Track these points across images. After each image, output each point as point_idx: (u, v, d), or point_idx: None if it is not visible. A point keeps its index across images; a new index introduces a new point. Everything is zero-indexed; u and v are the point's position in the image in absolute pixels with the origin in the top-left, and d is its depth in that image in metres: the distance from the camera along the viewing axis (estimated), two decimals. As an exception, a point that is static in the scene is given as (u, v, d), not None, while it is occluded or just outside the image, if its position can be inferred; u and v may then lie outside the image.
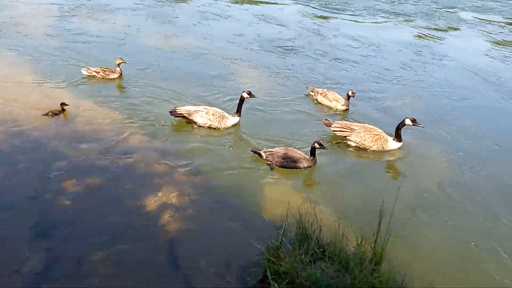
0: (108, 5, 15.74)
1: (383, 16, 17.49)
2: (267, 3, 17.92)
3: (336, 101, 9.38)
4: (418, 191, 6.91)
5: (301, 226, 4.94)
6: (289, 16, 16.53)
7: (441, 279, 4.52)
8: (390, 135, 8.08)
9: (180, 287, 4.85)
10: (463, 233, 6.00)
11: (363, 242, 4.66)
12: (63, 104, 8.18)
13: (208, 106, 8.53)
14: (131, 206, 6.07)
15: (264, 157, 7.23)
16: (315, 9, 17.63)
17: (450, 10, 18.61)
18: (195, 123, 8.19)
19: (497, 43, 15.17)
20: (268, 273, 4.41)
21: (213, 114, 8.17)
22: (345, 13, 17.47)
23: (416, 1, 19.44)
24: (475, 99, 10.80)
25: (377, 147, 7.92)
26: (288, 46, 13.16)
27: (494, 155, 8.17)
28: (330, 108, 9.40)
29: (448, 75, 12.06)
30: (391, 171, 7.82)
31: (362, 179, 7.26)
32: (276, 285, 4.17)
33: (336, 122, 8.25)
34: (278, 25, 15.28)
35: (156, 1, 16.72)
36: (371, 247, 4.58)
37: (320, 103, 9.54)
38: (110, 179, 6.55)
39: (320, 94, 9.54)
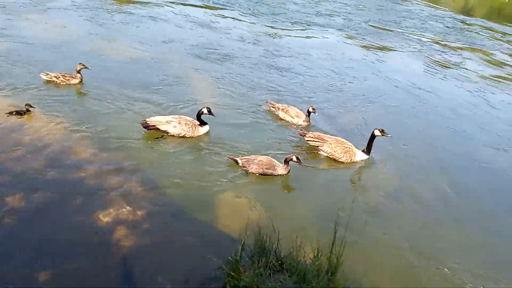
0: (38, 4, 15.09)
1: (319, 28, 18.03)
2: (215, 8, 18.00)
3: (298, 117, 9.46)
4: (374, 202, 7.24)
5: (259, 239, 5.00)
6: (229, 23, 16.68)
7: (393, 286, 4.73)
8: (361, 147, 8.53)
9: (136, 306, 4.73)
10: (413, 242, 6.34)
11: (319, 254, 4.82)
12: (28, 105, 8.03)
13: (175, 115, 8.54)
14: (81, 222, 5.81)
15: (240, 164, 7.44)
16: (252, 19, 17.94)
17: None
18: (167, 133, 8.22)
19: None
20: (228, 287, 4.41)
21: (185, 123, 8.27)
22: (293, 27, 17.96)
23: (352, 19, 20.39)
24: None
25: (346, 159, 8.34)
26: (226, 54, 13.24)
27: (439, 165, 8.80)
28: (292, 123, 9.46)
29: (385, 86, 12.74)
30: (353, 183, 8.07)
31: (323, 191, 7.41)
32: (236, 299, 4.18)
33: (310, 132, 8.71)
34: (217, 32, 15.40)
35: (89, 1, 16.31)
36: (327, 258, 4.73)
37: (281, 119, 9.57)
38: (57, 194, 6.23)
39: (281, 110, 9.59)
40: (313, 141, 8.51)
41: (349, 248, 4.68)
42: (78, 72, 9.62)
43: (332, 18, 19.80)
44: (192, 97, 10.00)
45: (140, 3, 17.37)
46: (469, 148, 9.80)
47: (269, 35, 16.03)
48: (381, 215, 6.90)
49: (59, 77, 9.49)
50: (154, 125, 8.15)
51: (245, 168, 7.45)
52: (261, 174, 7.43)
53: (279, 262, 4.84)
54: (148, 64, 11.57)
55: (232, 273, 4.55)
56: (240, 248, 4.83)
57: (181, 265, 5.29)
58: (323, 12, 20.51)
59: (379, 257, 5.83)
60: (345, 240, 4.61)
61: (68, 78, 9.52)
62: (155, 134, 8.23)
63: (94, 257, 5.30)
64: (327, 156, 8.45)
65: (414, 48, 17.20)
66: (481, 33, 21.28)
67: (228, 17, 17.53)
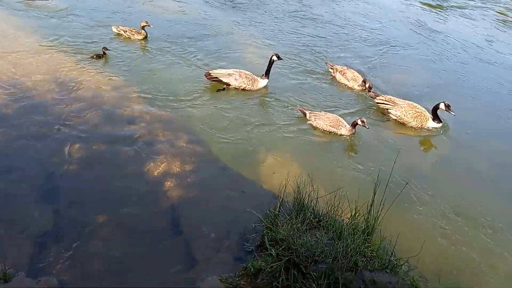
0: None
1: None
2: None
3: (354, 80, 9.28)
4: (420, 167, 7.17)
5: (298, 196, 5.15)
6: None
7: (426, 252, 4.73)
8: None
9: (181, 251, 5.10)
10: (454, 205, 6.27)
11: (357, 214, 4.90)
12: (105, 48, 9.15)
13: (236, 69, 8.91)
14: (134, 173, 6.25)
15: (307, 117, 7.83)
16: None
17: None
18: (229, 85, 8.68)
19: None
20: (266, 239, 4.64)
21: (246, 76, 8.68)
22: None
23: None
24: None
25: (416, 124, 8.12)
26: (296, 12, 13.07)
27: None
28: (347, 86, 9.33)
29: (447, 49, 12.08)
30: (404, 148, 7.73)
31: (373, 154, 7.37)
32: (273, 250, 4.40)
33: (382, 95, 8.60)
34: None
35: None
36: (364, 218, 4.81)
37: (338, 81, 9.43)
38: (113, 146, 6.70)
39: (339, 72, 9.42)
40: (383, 103, 8.36)
41: (388, 210, 4.69)
42: (143, 28, 10.21)
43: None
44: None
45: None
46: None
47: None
48: (428, 179, 6.79)
49: (126, 31, 10.16)
50: (216, 77, 8.62)
51: (311, 122, 7.76)
52: (325, 131, 7.66)
53: (317, 219, 4.99)
54: (197, 20, 11.83)
55: (270, 226, 4.76)
56: (279, 203, 5.03)
57: (224, 217, 5.59)
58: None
59: (417, 219, 5.83)
60: (384, 201, 4.64)
61: (134, 33, 10.19)
62: (218, 86, 8.72)
63: (145, 205, 5.72)
64: (395, 119, 8.26)
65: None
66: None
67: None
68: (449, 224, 5.86)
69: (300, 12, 13.52)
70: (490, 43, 13.16)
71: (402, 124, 8.21)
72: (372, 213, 4.78)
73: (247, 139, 7.31)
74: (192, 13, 12.43)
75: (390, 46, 11.97)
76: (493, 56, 12.26)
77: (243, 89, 8.73)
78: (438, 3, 16.26)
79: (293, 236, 4.49)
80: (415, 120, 8.08)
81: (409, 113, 8.11)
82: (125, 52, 9.72)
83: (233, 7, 13.22)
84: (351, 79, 9.28)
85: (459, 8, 16.01)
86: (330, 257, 4.30)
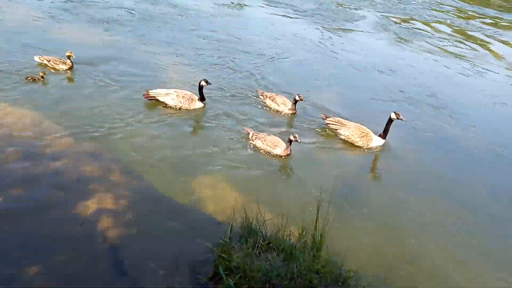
0: None
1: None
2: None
3: (284, 105, 9.54)
4: (360, 182, 7.66)
5: (246, 221, 5.20)
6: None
7: (373, 258, 5.08)
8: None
9: (130, 291, 4.83)
10: (391, 220, 6.71)
11: (304, 232, 5.08)
12: (43, 73, 9.11)
13: (176, 89, 9.13)
14: (63, 215, 5.79)
15: (250, 136, 8.07)
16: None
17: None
18: (166, 104, 8.92)
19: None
20: (220, 269, 4.59)
21: (183, 96, 8.92)
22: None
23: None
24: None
25: (362, 143, 8.68)
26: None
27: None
28: (278, 111, 9.54)
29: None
30: (343, 165, 8.15)
31: (313, 172, 7.66)
32: (230, 280, 4.37)
33: (331, 117, 9.04)
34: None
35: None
36: (311, 235, 5.00)
37: (268, 106, 9.63)
38: (35, 187, 6.15)
39: (269, 98, 9.66)
40: (333, 124, 8.89)
41: (332, 225, 4.95)
42: (68, 58, 9.75)
43: None
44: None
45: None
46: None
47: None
48: (365, 194, 7.26)
49: (50, 61, 9.70)
50: (154, 96, 8.86)
51: (252, 142, 7.97)
52: (262, 150, 7.91)
53: (266, 241, 5.06)
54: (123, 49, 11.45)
55: (223, 255, 4.73)
56: (229, 230, 5.02)
57: (169, 251, 5.40)
58: None
59: (359, 232, 6.20)
60: (328, 217, 4.88)
61: (58, 63, 9.70)
62: (153, 104, 8.95)
63: (81, 248, 5.31)
64: (344, 139, 8.77)
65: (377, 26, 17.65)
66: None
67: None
68: (386, 234, 6.32)
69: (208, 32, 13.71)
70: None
71: (351, 144, 8.75)
72: (318, 229, 4.99)
73: (184, 165, 7.21)
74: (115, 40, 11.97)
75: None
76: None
77: (180, 108, 8.92)
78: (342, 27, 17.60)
79: (247, 262, 4.50)
80: (361, 139, 8.68)
81: (356, 133, 8.70)
82: (50, 82, 9.16)
83: (129, 31, 12.94)
84: (281, 104, 9.56)
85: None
86: (286, 279, 4.39)
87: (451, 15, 20.83)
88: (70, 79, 9.60)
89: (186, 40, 12.73)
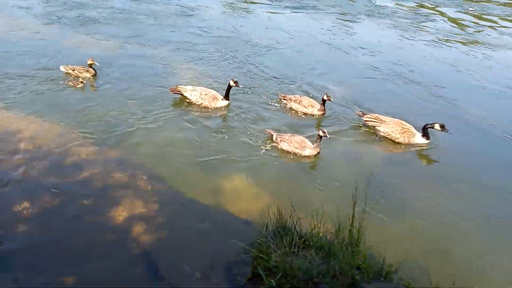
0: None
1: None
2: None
3: (312, 106, 9.14)
4: (394, 177, 7.42)
5: (280, 219, 5.12)
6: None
7: (412, 253, 4.96)
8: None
9: (167, 296, 4.79)
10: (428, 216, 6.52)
11: (340, 228, 4.98)
12: (82, 79, 9.60)
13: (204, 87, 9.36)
14: (95, 223, 5.77)
15: (274, 139, 7.86)
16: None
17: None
18: (189, 100, 9.13)
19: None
20: (260, 269, 4.52)
21: (205, 94, 9.06)
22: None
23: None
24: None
25: (403, 140, 8.39)
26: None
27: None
28: (306, 114, 9.16)
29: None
30: (375, 161, 7.93)
31: (343, 170, 7.51)
32: (272, 280, 4.30)
33: (369, 114, 8.83)
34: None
35: None
36: (348, 232, 4.90)
37: (295, 110, 9.25)
38: (65, 198, 6.14)
39: (294, 101, 9.25)
40: (371, 121, 8.64)
41: (369, 221, 4.84)
42: (90, 66, 9.90)
43: None
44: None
45: None
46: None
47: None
48: (402, 190, 7.06)
49: (75, 70, 9.86)
50: (179, 90, 9.12)
51: (276, 144, 7.82)
52: (290, 152, 7.72)
53: (303, 239, 4.97)
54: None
55: (261, 255, 4.65)
56: (264, 229, 4.95)
57: (203, 253, 5.36)
58: None
59: (396, 228, 6.10)
60: (364, 213, 4.78)
61: (82, 71, 9.86)
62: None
63: (116, 255, 5.28)
64: (384, 136, 8.53)
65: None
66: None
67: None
68: (424, 229, 6.20)
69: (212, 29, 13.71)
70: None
71: (391, 141, 8.48)
72: (354, 225, 4.89)
73: (209, 167, 7.15)
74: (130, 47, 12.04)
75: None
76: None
77: (201, 105, 9.07)
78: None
79: (287, 261, 4.42)
80: (403, 136, 8.39)
81: (396, 129, 8.42)
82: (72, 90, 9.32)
83: (135, 35, 13.01)
84: (309, 106, 9.15)
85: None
86: (328, 276, 4.30)
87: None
88: (92, 86, 9.67)
89: (201, 41, 12.76)
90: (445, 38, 15.35)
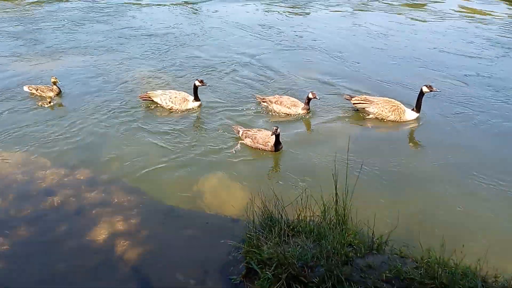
0: None
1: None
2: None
3: (295, 106, 8.63)
4: (374, 151, 7.49)
5: (265, 211, 5.06)
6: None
7: (402, 222, 5.00)
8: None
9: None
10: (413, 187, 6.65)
11: (326, 208, 4.98)
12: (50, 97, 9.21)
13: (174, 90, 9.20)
14: (76, 247, 5.52)
15: (240, 135, 7.69)
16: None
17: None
18: (158, 104, 8.98)
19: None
20: (254, 264, 4.46)
21: (175, 97, 8.90)
22: None
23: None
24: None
25: (394, 117, 8.35)
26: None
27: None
28: (289, 114, 8.66)
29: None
30: (354, 136, 7.60)
31: (317, 150, 7.52)
32: (267, 272, 4.24)
33: (356, 96, 8.77)
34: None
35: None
36: (335, 210, 4.90)
37: (277, 111, 8.72)
38: (40, 226, 5.85)
39: (275, 102, 8.72)
40: (360, 103, 8.55)
41: (353, 195, 4.85)
42: (54, 84, 9.50)
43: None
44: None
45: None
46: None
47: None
48: (384, 163, 7.13)
49: (38, 89, 9.52)
50: (149, 96, 8.95)
51: (242, 141, 7.66)
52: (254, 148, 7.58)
53: (291, 227, 4.95)
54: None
55: (253, 249, 4.59)
56: (252, 223, 4.89)
57: (195, 257, 5.25)
58: None
59: (381, 199, 6.18)
60: (347, 188, 4.78)
61: (45, 91, 9.47)
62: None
63: (103, 277, 5.09)
64: (375, 117, 8.50)
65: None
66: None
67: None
68: (409, 196, 6.34)
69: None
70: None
71: (381, 120, 8.49)
72: (339, 204, 4.90)
73: (185, 171, 7.01)
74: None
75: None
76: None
77: (171, 109, 8.90)
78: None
79: (279, 251, 4.38)
80: (393, 113, 8.37)
81: (386, 108, 8.39)
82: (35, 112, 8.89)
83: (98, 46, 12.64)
84: (292, 106, 8.66)
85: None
86: (322, 258, 4.29)
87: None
88: (55, 106, 9.22)
89: (167, 51, 12.45)
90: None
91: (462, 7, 17.17)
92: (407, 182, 6.73)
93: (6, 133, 8.02)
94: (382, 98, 8.70)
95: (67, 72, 10.78)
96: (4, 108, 8.94)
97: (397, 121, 8.44)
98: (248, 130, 7.73)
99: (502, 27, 14.53)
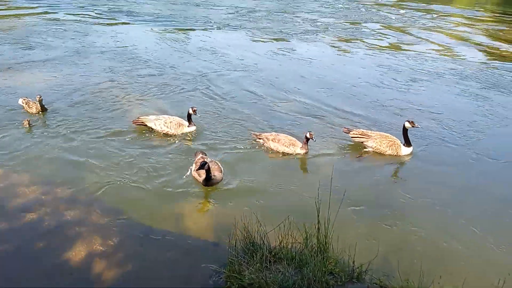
0: None
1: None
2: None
3: (293, 145, 8.41)
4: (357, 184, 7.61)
5: (247, 236, 5.08)
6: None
7: (382, 252, 5.09)
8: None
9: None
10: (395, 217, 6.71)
11: (308, 236, 5.03)
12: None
13: (165, 115, 9.22)
14: (52, 266, 5.37)
15: (196, 159, 7.39)
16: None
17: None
18: (152, 129, 8.94)
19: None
20: (235, 289, 4.44)
21: (170, 122, 8.91)
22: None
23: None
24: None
25: (392, 152, 8.59)
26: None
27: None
28: (287, 154, 8.42)
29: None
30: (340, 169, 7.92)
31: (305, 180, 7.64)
32: (248, 298, 4.23)
33: (354, 129, 8.96)
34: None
35: None
36: (316, 238, 4.96)
37: (273, 150, 8.46)
38: (15, 243, 5.68)
39: (272, 140, 8.49)
40: (358, 137, 8.77)
41: (334, 223, 4.93)
42: (40, 102, 9.34)
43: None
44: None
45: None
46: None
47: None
48: (363, 193, 7.28)
49: (28, 103, 9.45)
50: (142, 121, 8.92)
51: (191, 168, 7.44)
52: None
53: (273, 253, 4.97)
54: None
55: (234, 274, 4.58)
56: (233, 248, 4.89)
57: (175, 281, 5.17)
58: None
59: (362, 228, 6.27)
60: (329, 217, 4.87)
61: (32, 106, 9.37)
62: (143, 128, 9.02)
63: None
64: (372, 150, 8.70)
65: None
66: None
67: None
68: (391, 225, 6.46)
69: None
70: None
71: (379, 154, 8.67)
72: (321, 231, 4.96)
73: (166, 193, 6.95)
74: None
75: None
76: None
77: (166, 134, 8.90)
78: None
79: (261, 277, 4.38)
80: (390, 148, 8.61)
81: (383, 143, 8.63)
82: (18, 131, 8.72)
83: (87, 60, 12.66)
84: (290, 145, 8.43)
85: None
86: (303, 286, 4.32)
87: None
88: (42, 124, 9.11)
89: (147, 72, 12.59)
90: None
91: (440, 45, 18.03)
92: (388, 212, 6.84)
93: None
94: (379, 132, 8.98)
95: (58, 93, 10.70)
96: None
97: (394, 155, 8.67)
98: (209, 158, 7.51)
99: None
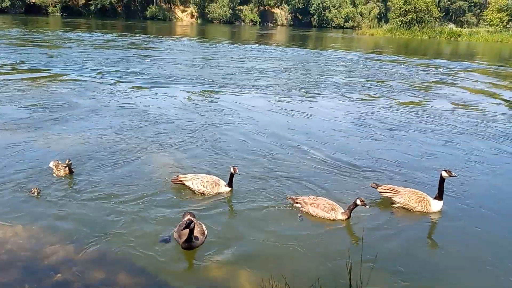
0: None
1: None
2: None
3: (334, 210, 8.02)
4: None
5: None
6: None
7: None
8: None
9: None
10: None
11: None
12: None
13: (204, 174, 9.35)
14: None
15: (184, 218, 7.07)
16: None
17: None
18: (189, 188, 9.08)
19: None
20: None
21: (207, 181, 9.03)
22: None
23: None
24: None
25: (421, 208, 8.47)
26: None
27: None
28: (327, 219, 8.01)
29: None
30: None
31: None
32: None
33: (383, 185, 8.94)
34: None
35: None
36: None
37: (312, 214, 8.10)
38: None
39: (310, 205, 8.15)
40: (386, 192, 8.76)
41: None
42: (68, 166, 9.41)
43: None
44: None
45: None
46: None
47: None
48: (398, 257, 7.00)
49: (58, 165, 9.55)
50: (180, 180, 9.10)
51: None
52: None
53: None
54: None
55: None
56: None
57: None
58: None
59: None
60: (362, 280, 4.71)
61: (60, 168, 9.48)
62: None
63: None
64: (401, 206, 8.55)
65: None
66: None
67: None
68: None
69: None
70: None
71: (408, 210, 8.53)
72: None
73: (200, 257, 6.81)
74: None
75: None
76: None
77: (203, 193, 9.00)
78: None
79: None
80: (419, 204, 8.49)
81: (412, 199, 8.53)
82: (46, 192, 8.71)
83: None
84: (330, 210, 8.05)
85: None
86: None
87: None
88: (66, 187, 9.02)
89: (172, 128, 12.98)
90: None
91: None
92: (424, 275, 6.53)
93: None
94: (408, 188, 8.82)
95: (83, 153, 10.87)
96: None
97: (424, 212, 8.50)
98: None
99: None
